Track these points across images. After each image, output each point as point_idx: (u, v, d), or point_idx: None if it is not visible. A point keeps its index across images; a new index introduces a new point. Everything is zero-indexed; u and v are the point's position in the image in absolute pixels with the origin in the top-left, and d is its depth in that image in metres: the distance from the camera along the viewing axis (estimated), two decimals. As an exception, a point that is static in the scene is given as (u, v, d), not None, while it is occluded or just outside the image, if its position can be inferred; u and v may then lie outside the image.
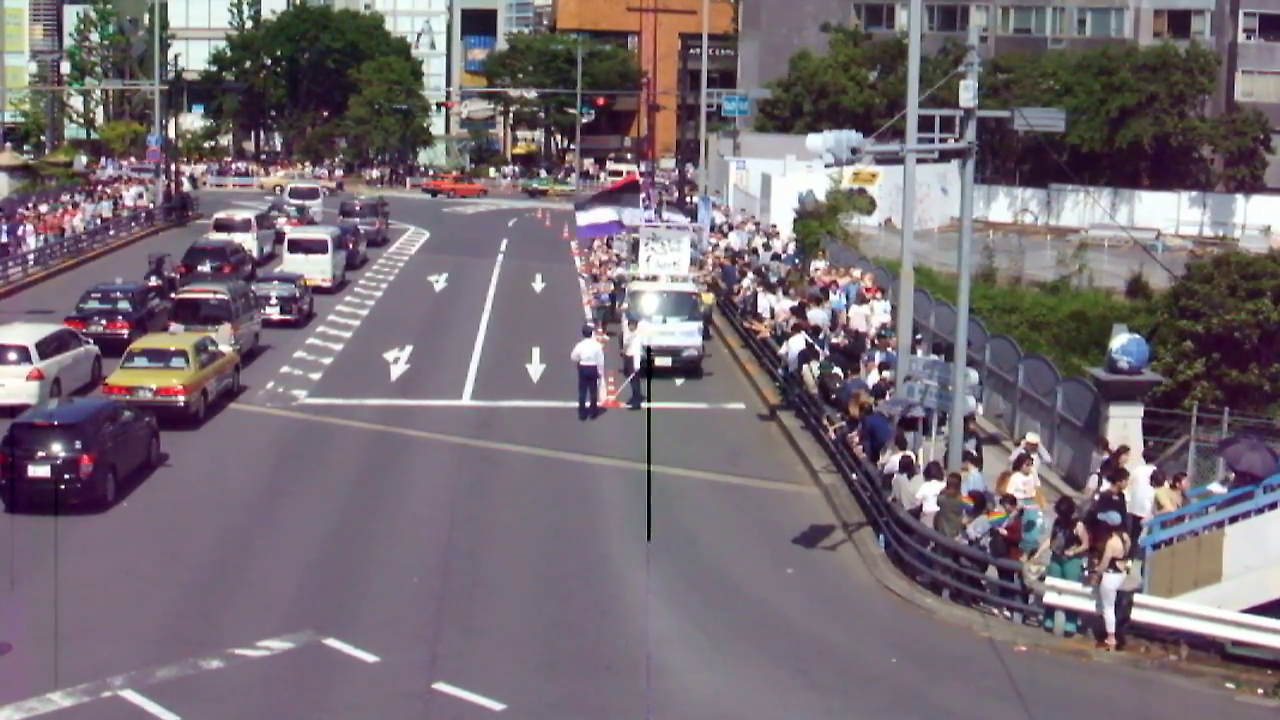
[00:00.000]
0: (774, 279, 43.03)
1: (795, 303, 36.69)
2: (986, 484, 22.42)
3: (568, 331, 39.07)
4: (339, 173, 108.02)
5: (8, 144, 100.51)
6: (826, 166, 33.94)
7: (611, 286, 44.94)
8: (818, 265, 44.35)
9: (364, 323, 43.85)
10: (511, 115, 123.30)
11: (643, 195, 47.75)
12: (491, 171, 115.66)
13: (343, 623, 19.45)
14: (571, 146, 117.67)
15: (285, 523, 24.27)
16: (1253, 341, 35.83)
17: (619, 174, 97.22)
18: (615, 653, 18.95)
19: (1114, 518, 19.68)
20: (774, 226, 56.88)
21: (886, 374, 27.89)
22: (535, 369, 37.12)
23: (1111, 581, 19.34)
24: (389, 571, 21.90)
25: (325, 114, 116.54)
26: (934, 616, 20.76)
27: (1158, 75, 77.78)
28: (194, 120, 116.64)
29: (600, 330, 38.70)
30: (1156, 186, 77.71)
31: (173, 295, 39.28)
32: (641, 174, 63.33)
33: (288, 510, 24.98)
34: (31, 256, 51.37)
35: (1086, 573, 19.80)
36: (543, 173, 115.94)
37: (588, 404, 31.96)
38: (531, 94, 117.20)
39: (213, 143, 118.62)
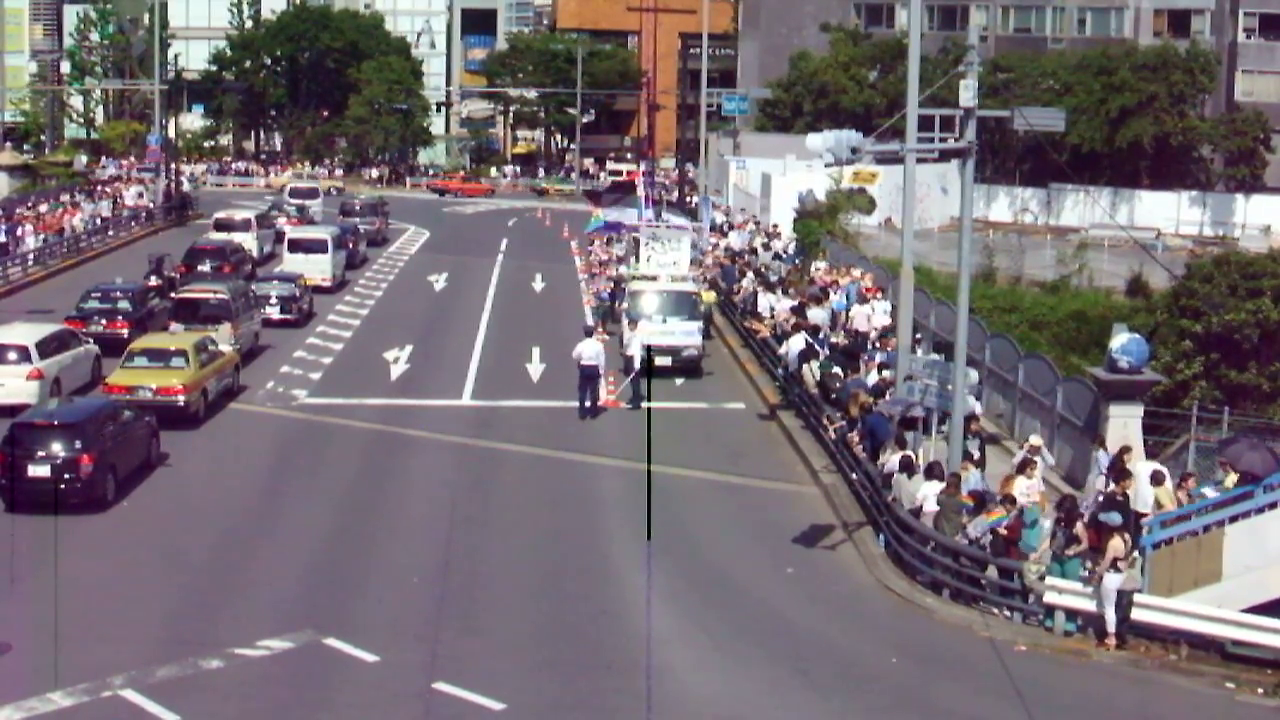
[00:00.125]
0: (774, 278, 43.05)
1: (795, 302, 36.69)
2: (987, 484, 22.43)
3: (568, 331, 39.10)
4: (339, 172, 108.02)
5: (8, 144, 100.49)
6: (826, 166, 33.97)
7: (610, 285, 44.97)
8: (819, 265, 44.36)
9: (364, 322, 43.85)
10: (511, 115, 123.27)
11: (642, 195, 47.85)
12: (493, 171, 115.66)
13: (343, 622, 19.45)
14: (571, 146, 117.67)
15: (285, 522, 24.27)
16: (1252, 341, 35.85)
17: (619, 174, 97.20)
18: (615, 652, 18.95)
19: (1115, 518, 19.68)
20: (775, 226, 56.87)
21: (886, 374, 27.90)
22: (535, 368, 37.12)
23: (1112, 581, 19.34)
24: (389, 571, 21.91)
25: (325, 114, 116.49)
26: (934, 616, 20.76)
27: (1158, 75, 77.76)
28: (194, 120, 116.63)
29: (600, 330, 38.71)
30: (1156, 186, 77.69)
31: (173, 295, 39.25)
32: (643, 174, 63.25)
33: (288, 510, 24.98)
34: (31, 256, 51.35)
35: (1087, 572, 19.81)
36: (542, 171, 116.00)
37: (588, 403, 31.96)
38: (531, 94, 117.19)
39: (212, 142, 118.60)
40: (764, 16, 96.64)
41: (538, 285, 52.70)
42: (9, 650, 18.23)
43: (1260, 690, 18.67)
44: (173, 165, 74.54)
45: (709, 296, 41.25)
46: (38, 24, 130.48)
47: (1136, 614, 19.66)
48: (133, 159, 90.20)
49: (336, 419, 31.67)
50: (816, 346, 31.70)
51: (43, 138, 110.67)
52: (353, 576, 21.64)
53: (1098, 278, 52.56)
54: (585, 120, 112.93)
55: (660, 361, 34.62)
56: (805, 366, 30.70)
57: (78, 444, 23.83)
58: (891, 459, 23.48)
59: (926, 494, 21.88)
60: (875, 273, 41.29)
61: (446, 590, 21.13)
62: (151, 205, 69.68)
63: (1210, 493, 22.02)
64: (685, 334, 36.06)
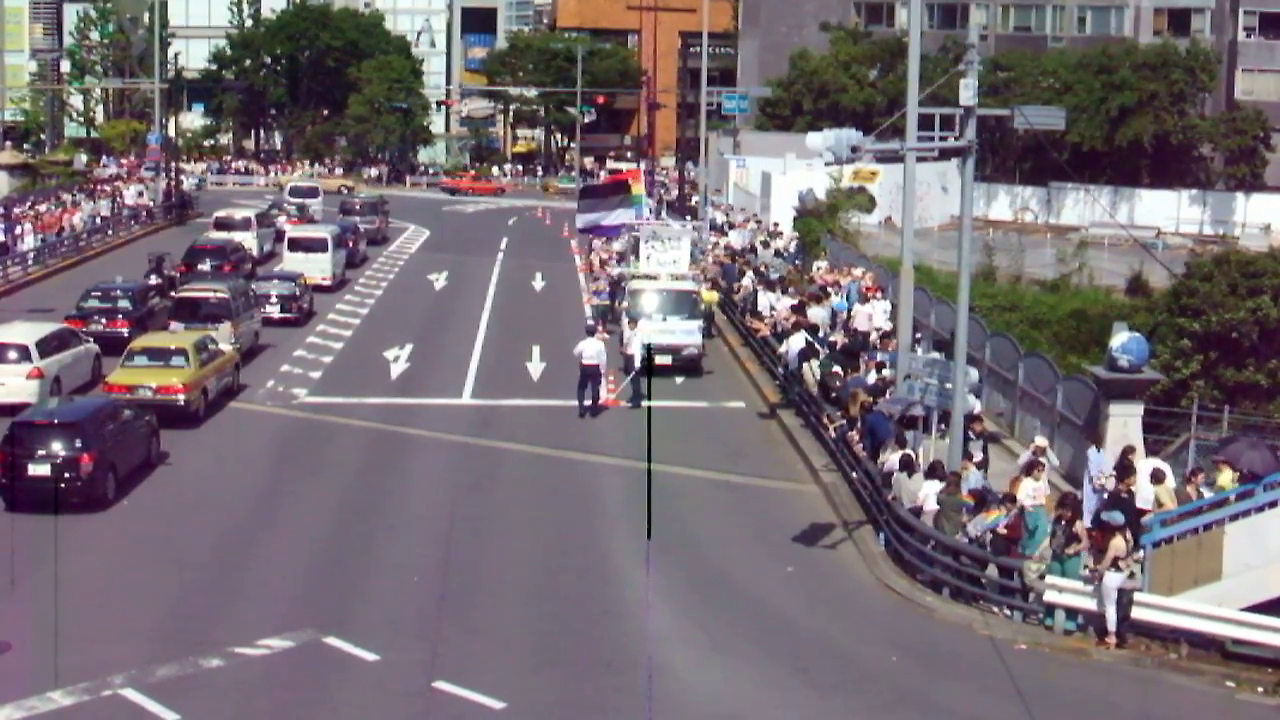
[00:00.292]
0: (774, 275, 43.04)
1: (795, 301, 36.69)
2: (989, 484, 22.43)
3: (568, 330, 39.10)
4: (339, 171, 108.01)
5: (8, 143, 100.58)
6: (826, 165, 34.00)
7: (608, 285, 44.95)
8: (820, 264, 44.36)
9: (364, 321, 43.85)
10: (511, 114, 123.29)
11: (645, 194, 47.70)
12: (494, 170, 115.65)
13: (343, 621, 19.45)
14: (571, 145, 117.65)
15: (285, 521, 24.27)
16: (1252, 339, 35.82)
17: (619, 172, 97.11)
18: (615, 651, 18.96)
19: (1117, 518, 19.68)
20: (776, 225, 56.88)
21: (886, 373, 27.89)
22: (535, 367, 37.12)
23: (1113, 580, 19.34)
24: (389, 570, 21.90)
25: (325, 113, 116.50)
26: (934, 615, 20.76)
27: (1158, 73, 77.76)
28: (194, 119, 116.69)
29: (600, 328, 38.71)
30: (1156, 185, 77.67)
31: (173, 294, 39.27)
32: (644, 172, 63.21)
33: (288, 509, 24.98)
34: (31, 255, 51.35)
35: (1088, 571, 19.81)
36: (541, 170, 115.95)
37: (587, 402, 31.98)
38: (531, 92, 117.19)
39: (212, 141, 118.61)
40: (764, 15, 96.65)
41: (538, 284, 52.70)
42: (9, 649, 18.23)
43: (1260, 689, 18.67)
44: (173, 164, 74.51)
45: (711, 297, 41.26)
46: (38, 23, 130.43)
47: (1137, 613, 19.66)
48: (134, 158, 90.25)
49: (337, 418, 31.67)
50: (817, 345, 31.70)
51: (43, 137, 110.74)
52: (353, 575, 21.65)
53: (1098, 276, 52.58)
54: (585, 119, 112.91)
55: (660, 360, 34.63)
56: (805, 365, 30.70)
57: (78, 443, 23.82)
58: (892, 458, 23.48)
59: (927, 493, 21.89)
60: (875, 272, 41.29)
61: (446, 589, 21.12)
62: (151, 204, 69.68)
63: (1207, 493, 22.03)
64: (685, 333, 36.09)
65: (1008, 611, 20.53)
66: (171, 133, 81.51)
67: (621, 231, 44.28)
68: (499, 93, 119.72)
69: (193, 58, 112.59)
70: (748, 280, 42.64)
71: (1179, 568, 20.54)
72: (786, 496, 26.72)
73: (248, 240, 52.71)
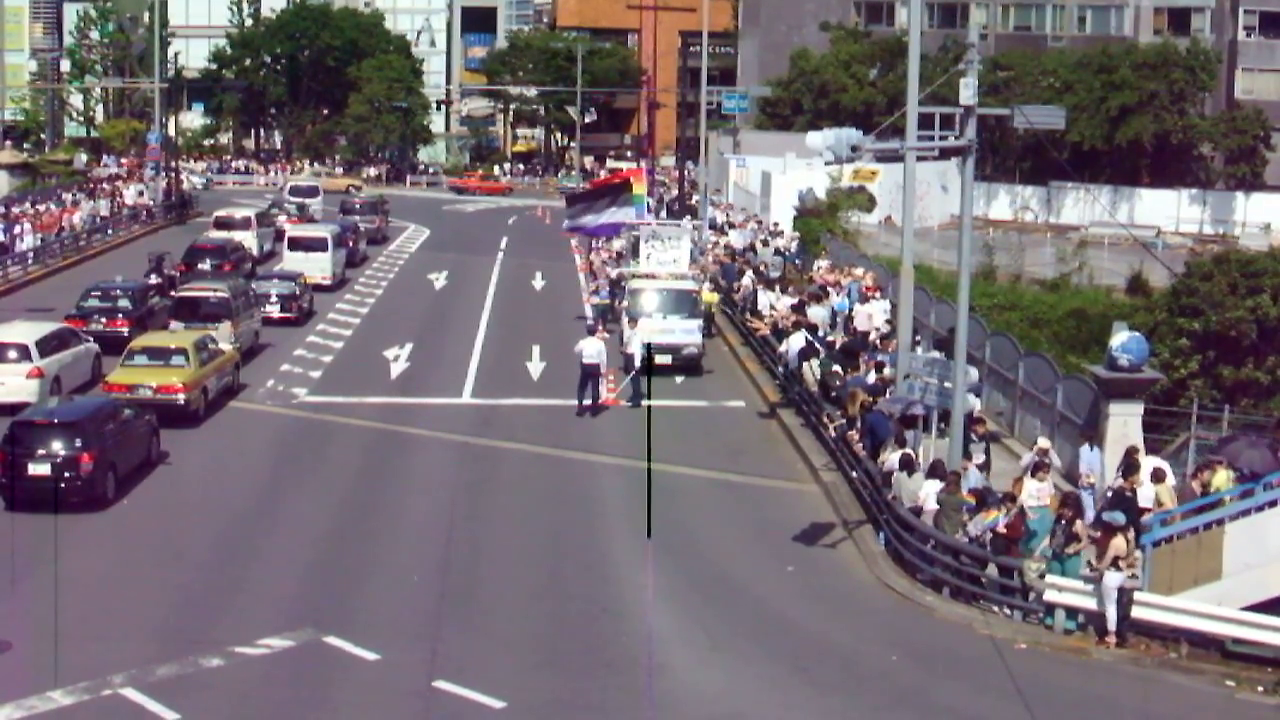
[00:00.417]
0: (773, 274, 43.02)
1: (795, 300, 36.69)
2: (990, 484, 22.42)
3: (568, 329, 39.11)
4: (339, 170, 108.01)
5: (8, 142, 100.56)
6: (827, 164, 34.01)
7: (607, 284, 44.95)
8: (820, 264, 44.35)
9: (364, 321, 43.84)
10: (511, 113, 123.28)
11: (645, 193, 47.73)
12: (495, 169, 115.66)
13: (343, 621, 19.45)
14: (571, 144, 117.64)
15: (285, 521, 24.27)
16: (1251, 338, 35.82)
17: (619, 172, 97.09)
18: (615, 650, 18.95)
19: (1119, 518, 19.67)
20: (777, 225, 56.88)
21: (886, 372, 27.88)
22: (535, 367, 37.12)
23: (1113, 579, 19.34)
24: (389, 569, 21.90)
25: (325, 112, 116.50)
26: (934, 614, 20.76)
27: (1158, 73, 77.75)
28: (194, 118, 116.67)
29: (600, 328, 38.69)
30: (1156, 184, 77.68)
31: (173, 293, 39.27)
32: (646, 172, 63.24)
33: (288, 508, 24.98)
34: (31, 255, 51.35)
35: (1089, 569, 19.80)
36: (540, 170, 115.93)
37: (587, 401, 31.98)
38: (531, 92, 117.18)
39: (212, 140, 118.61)
40: (764, 14, 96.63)
41: (538, 283, 52.70)
42: (9, 649, 18.22)
43: (1260, 688, 18.66)
44: (173, 163, 74.51)
45: (711, 297, 41.27)
46: (38, 22, 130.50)
47: (1137, 612, 19.66)
48: (134, 157, 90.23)
49: (337, 417, 31.67)
50: (816, 345, 31.69)
51: (43, 136, 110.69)
52: (353, 575, 21.64)
53: (1098, 276, 52.54)
54: (585, 119, 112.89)
55: (660, 359, 34.64)
56: (805, 364, 30.70)
57: (78, 442, 23.82)
58: (892, 457, 23.48)
59: (927, 492, 21.89)
60: (875, 271, 41.29)
61: (446, 588, 21.13)
62: (151, 204, 69.68)
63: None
64: (685, 332, 36.10)
65: (1008, 611, 20.53)
66: (171, 132, 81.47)
67: (621, 231, 44.33)
68: (499, 92, 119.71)
69: (193, 57, 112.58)
70: (747, 280, 42.63)
71: (1179, 567, 20.54)
72: (786, 496, 26.72)
73: (248, 240, 52.69)
